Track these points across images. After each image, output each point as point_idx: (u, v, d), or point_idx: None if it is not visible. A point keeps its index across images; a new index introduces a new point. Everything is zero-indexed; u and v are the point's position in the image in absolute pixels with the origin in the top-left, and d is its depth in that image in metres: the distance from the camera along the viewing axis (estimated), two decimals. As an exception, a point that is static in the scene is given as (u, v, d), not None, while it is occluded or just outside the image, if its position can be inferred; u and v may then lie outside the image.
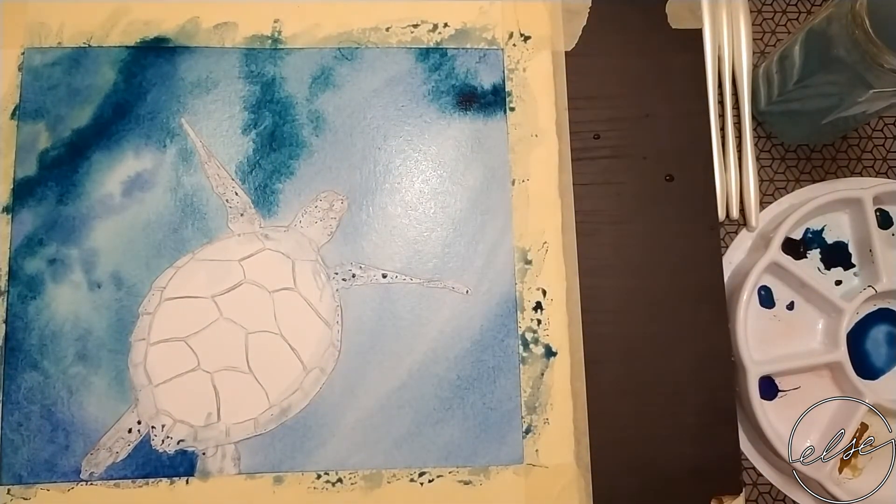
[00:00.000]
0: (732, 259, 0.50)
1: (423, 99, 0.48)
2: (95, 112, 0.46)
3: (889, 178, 0.51)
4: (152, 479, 0.42)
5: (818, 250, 0.49)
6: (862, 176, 0.51)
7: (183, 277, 0.44)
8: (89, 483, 0.42)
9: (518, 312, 0.45)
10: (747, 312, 0.46)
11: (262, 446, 0.43)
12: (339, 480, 0.43)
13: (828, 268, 0.49)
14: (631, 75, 0.49)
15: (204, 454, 0.43)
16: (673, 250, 0.47)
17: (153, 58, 0.47)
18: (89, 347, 0.43)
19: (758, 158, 0.51)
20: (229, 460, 0.43)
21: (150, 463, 0.42)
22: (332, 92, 0.47)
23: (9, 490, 0.42)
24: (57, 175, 0.45)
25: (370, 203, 0.46)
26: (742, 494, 0.44)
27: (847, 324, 0.46)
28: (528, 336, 0.45)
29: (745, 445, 0.47)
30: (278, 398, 0.43)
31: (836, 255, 0.49)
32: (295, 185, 0.46)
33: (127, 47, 0.47)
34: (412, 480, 0.43)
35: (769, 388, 0.47)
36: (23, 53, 0.46)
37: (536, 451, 0.44)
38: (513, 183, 0.47)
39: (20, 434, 0.42)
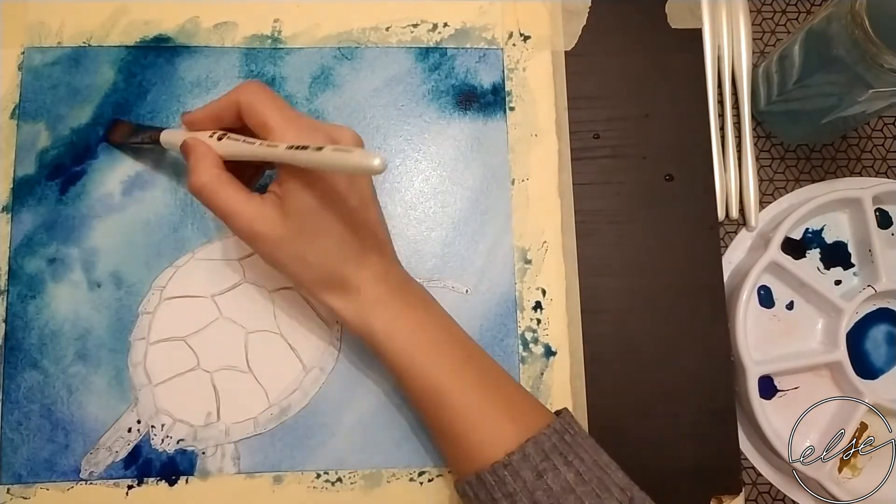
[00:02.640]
0: (732, 259, 0.50)
1: (423, 99, 0.48)
2: (95, 112, 0.46)
3: (889, 178, 0.51)
4: (152, 479, 0.42)
5: (818, 250, 0.49)
6: (861, 176, 0.51)
7: (183, 277, 0.44)
8: (89, 482, 0.42)
9: (518, 312, 0.45)
10: (747, 312, 0.46)
11: (262, 446, 0.43)
12: (339, 480, 0.43)
13: (827, 268, 0.49)
14: (631, 75, 0.49)
15: (203, 453, 0.43)
16: (673, 250, 0.47)
17: (153, 58, 0.47)
18: (89, 347, 0.43)
19: (757, 158, 0.51)
20: (229, 460, 0.43)
21: (149, 462, 0.42)
22: (331, 92, 0.47)
23: (8, 489, 0.42)
24: (57, 175, 0.45)
25: (370, 203, 0.46)
26: (742, 494, 0.44)
27: (846, 323, 0.46)
28: (528, 336, 0.45)
29: (745, 445, 0.47)
30: (278, 398, 0.43)
31: (836, 255, 0.49)
32: (295, 184, 0.46)
33: (127, 47, 0.47)
34: (412, 480, 0.43)
35: (768, 388, 0.47)
36: (23, 53, 0.46)
37: (536, 450, 0.44)
38: (513, 183, 0.47)
39: (20, 433, 0.42)
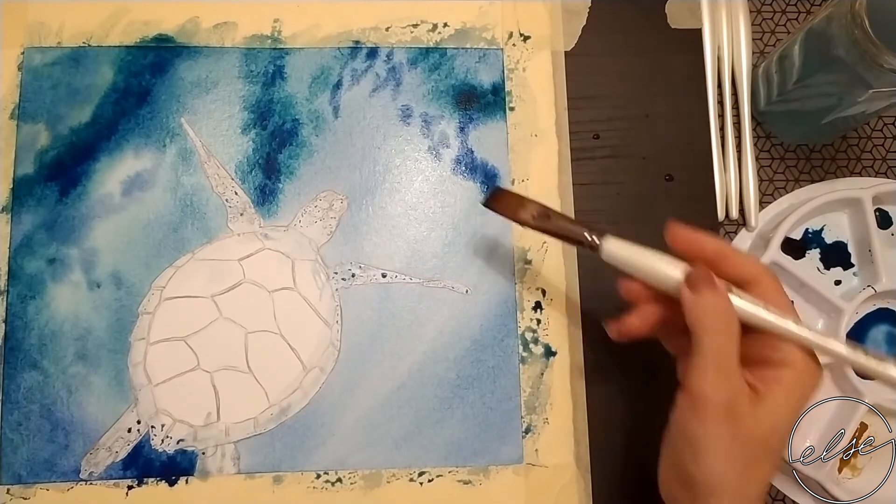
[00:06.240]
0: (732, 259, 0.49)
1: (423, 99, 0.48)
2: (95, 112, 0.46)
3: (888, 178, 0.51)
4: (152, 479, 0.42)
5: (817, 250, 0.49)
6: (861, 176, 0.51)
7: (183, 277, 0.44)
8: (89, 482, 0.42)
9: (518, 312, 0.45)
10: (747, 312, 0.46)
11: (262, 446, 0.43)
12: (339, 480, 0.43)
13: (827, 268, 0.49)
14: (631, 75, 0.49)
15: (203, 454, 0.43)
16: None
17: (153, 58, 0.47)
18: (89, 347, 0.43)
19: (757, 158, 0.51)
20: (229, 460, 0.43)
21: (149, 462, 0.42)
22: (332, 92, 0.47)
23: (8, 490, 0.42)
24: (57, 175, 0.45)
25: (370, 203, 0.46)
26: (742, 494, 0.44)
27: (846, 324, 0.46)
28: (528, 336, 0.45)
29: (745, 445, 0.47)
30: (278, 398, 0.43)
31: (836, 255, 0.49)
32: (295, 184, 0.46)
33: (127, 47, 0.47)
34: (412, 480, 0.43)
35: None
36: (23, 53, 0.46)
37: (536, 450, 0.44)
38: (513, 183, 0.47)
39: (20, 434, 0.42)
